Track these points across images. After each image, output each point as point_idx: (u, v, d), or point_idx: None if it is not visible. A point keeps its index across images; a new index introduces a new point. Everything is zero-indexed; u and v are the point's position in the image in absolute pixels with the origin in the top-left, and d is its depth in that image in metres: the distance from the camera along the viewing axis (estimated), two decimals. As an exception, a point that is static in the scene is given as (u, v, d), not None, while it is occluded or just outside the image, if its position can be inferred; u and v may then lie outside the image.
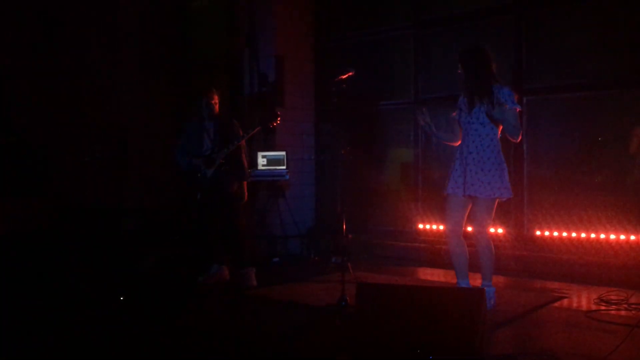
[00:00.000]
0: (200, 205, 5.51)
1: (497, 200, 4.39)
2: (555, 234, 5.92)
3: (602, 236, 5.62)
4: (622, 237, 5.52)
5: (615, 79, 5.72)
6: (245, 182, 5.58)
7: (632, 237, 5.47)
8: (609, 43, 5.75)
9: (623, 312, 4.42)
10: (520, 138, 4.38)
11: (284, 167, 7.02)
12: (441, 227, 6.64)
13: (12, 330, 4.21)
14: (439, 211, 6.58)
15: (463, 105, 4.49)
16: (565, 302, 4.83)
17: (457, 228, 4.49)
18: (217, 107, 5.51)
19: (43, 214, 7.72)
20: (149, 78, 8.90)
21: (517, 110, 4.35)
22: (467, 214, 4.50)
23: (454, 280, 4.68)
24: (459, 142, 4.56)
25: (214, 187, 5.41)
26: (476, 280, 4.64)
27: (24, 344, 3.91)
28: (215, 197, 5.43)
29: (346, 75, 4.75)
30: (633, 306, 4.51)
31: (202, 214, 5.56)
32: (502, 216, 6.25)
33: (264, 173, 7.02)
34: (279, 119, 5.38)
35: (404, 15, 7.20)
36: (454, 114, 4.60)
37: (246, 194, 5.59)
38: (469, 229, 4.72)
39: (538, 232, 6.04)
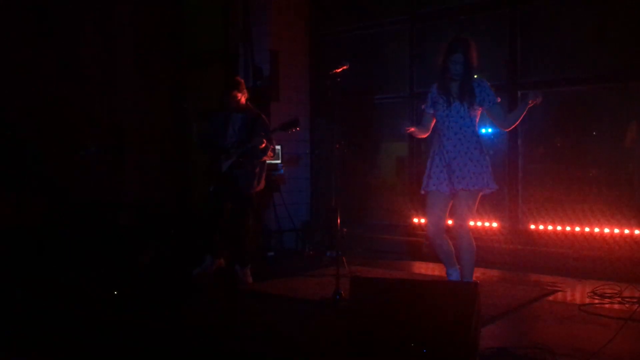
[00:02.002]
0: (211, 197, 5.49)
1: (480, 194, 4.28)
2: (550, 228, 5.93)
3: (597, 230, 5.64)
4: (616, 230, 5.54)
5: (610, 73, 5.73)
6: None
7: (626, 231, 5.49)
8: (604, 37, 5.76)
9: (616, 306, 4.44)
10: (511, 127, 4.38)
11: (279, 161, 7.01)
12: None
13: (8, 326, 4.20)
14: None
15: (439, 98, 4.32)
16: (559, 295, 4.86)
17: (440, 226, 4.34)
18: (242, 99, 5.43)
19: (39, 210, 7.69)
20: (144, 72, 8.86)
21: (498, 100, 4.33)
22: (448, 210, 4.37)
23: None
24: (427, 135, 4.51)
25: (228, 183, 5.37)
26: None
27: (20, 339, 3.90)
28: (227, 194, 5.41)
29: (341, 69, 4.73)
30: (626, 299, 4.53)
31: (211, 205, 5.53)
32: (496, 210, 6.27)
33: (259, 167, 7.00)
34: (298, 128, 5.33)
35: (400, 8, 7.19)
36: (423, 106, 4.49)
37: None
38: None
39: (532, 226, 6.06)
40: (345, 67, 4.74)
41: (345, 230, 6.24)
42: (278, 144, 7.13)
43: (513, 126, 4.36)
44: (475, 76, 4.31)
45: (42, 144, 7.98)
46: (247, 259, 5.41)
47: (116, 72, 8.78)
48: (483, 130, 6.32)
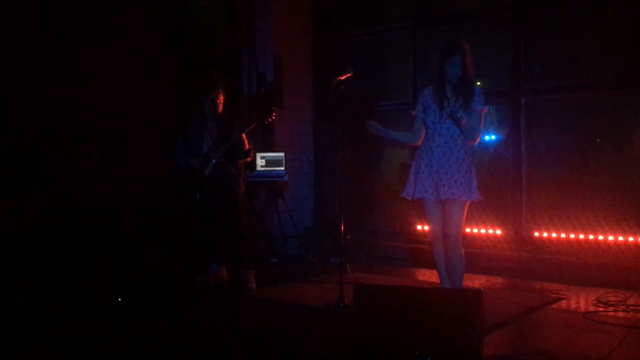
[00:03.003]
0: (200, 205, 5.49)
1: (468, 203, 4.16)
2: (554, 235, 5.91)
3: (601, 237, 5.62)
4: (621, 238, 5.52)
5: (614, 79, 5.72)
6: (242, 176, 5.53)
7: (631, 239, 5.47)
8: (608, 43, 5.75)
9: (621, 314, 4.43)
10: (477, 141, 4.17)
11: (283, 168, 7.02)
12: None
13: (11, 330, 4.20)
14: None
15: (432, 104, 4.21)
16: (563, 303, 4.84)
17: (440, 232, 4.27)
18: (221, 106, 5.47)
19: (42, 214, 7.70)
20: (147, 77, 8.89)
21: (484, 111, 4.18)
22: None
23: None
24: (420, 142, 4.33)
25: (215, 186, 5.38)
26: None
27: (23, 342, 3.90)
28: (216, 197, 5.41)
29: (345, 77, 4.74)
30: (631, 307, 4.51)
31: (202, 213, 5.54)
32: (500, 217, 6.26)
33: (262, 174, 7.01)
34: (274, 115, 5.36)
35: (403, 14, 7.20)
36: (413, 112, 4.35)
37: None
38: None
39: (536, 234, 6.04)
40: (349, 75, 4.74)
41: (348, 236, 6.24)
42: (281, 151, 7.15)
43: (476, 138, 4.16)
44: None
45: (45, 147, 8.00)
46: (249, 261, 5.39)
47: (120, 76, 8.80)
48: (487, 137, 6.32)
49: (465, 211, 4.18)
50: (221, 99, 5.47)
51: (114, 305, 4.78)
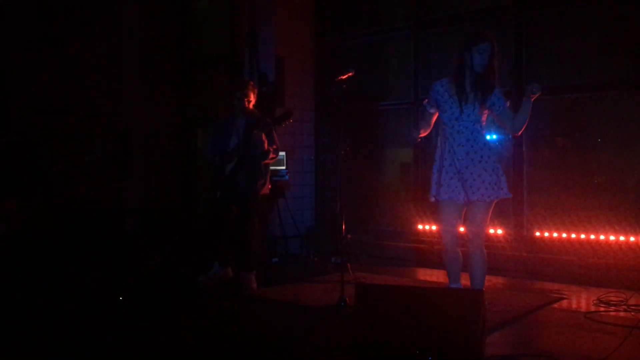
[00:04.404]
0: (218, 204, 5.41)
1: (494, 203, 4.10)
2: (555, 235, 5.92)
3: (602, 237, 5.62)
4: (622, 238, 5.52)
5: (615, 80, 5.72)
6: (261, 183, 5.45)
7: (632, 239, 5.47)
8: (609, 44, 5.76)
9: (622, 313, 4.42)
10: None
11: (284, 168, 7.02)
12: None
13: (11, 330, 4.21)
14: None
15: (449, 98, 4.05)
16: (564, 303, 4.84)
17: (455, 234, 4.15)
18: (250, 103, 5.38)
19: (44, 215, 7.71)
20: (150, 77, 8.91)
21: (508, 104, 4.13)
22: (462, 218, 4.19)
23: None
24: (428, 132, 4.25)
25: (232, 186, 5.32)
26: (466, 280, 4.53)
27: (25, 344, 3.91)
28: (232, 197, 5.35)
29: (346, 76, 4.73)
30: (632, 307, 4.51)
31: (217, 212, 5.46)
32: (501, 217, 6.25)
33: (263, 173, 7.01)
34: (291, 119, 5.29)
35: (404, 15, 7.20)
36: (426, 100, 4.24)
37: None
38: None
39: (537, 233, 6.04)
40: (350, 74, 4.73)
41: (350, 236, 6.23)
42: (283, 150, 7.15)
43: (523, 128, 4.12)
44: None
45: (48, 149, 8.01)
46: (252, 264, 5.38)
47: (122, 78, 8.82)
48: (487, 137, 6.30)
49: (491, 210, 4.09)
50: (250, 96, 5.37)
51: (115, 306, 4.78)
